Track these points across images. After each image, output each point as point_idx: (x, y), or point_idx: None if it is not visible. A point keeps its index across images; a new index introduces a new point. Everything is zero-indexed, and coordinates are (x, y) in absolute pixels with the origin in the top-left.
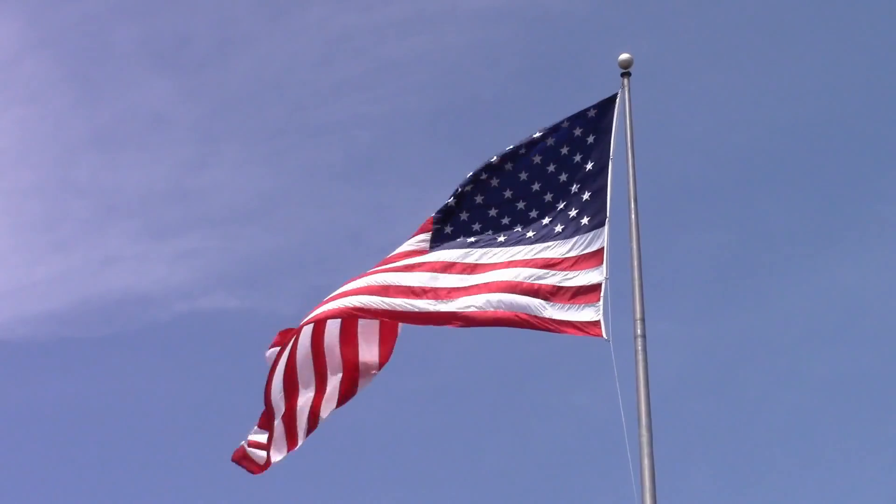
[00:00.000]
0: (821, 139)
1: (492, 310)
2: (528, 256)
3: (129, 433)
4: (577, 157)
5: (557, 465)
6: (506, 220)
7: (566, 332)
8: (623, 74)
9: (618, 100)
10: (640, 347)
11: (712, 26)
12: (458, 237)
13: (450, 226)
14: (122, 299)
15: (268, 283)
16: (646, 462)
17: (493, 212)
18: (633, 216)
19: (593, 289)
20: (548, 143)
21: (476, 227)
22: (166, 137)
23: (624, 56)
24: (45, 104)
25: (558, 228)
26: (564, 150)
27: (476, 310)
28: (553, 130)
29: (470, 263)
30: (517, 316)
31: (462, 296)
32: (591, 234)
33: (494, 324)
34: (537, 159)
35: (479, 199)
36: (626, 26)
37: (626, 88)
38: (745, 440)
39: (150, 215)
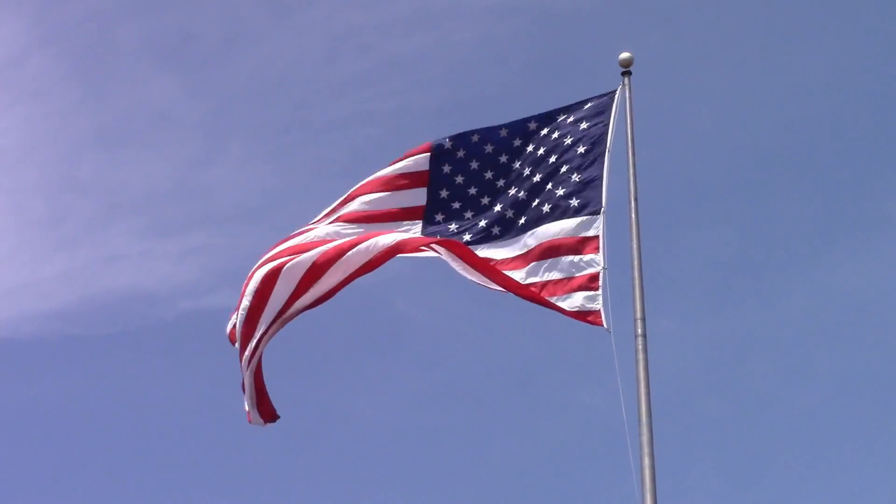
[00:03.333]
0: (826, 137)
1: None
2: (522, 251)
3: (134, 431)
4: (568, 141)
5: (561, 462)
6: (497, 208)
7: (568, 314)
8: (623, 73)
9: (617, 98)
10: (640, 347)
11: (717, 23)
12: (450, 225)
13: (441, 213)
14: (126, 297)
15: None
16: (646, 461)
17: (485, 200)
18: (633, 215)
19: (591, 278)
20: (541, 134)
21: (468, 214)
22: (171, 135)
23: (624, 55)
24: (50, 102)
25: (546, 209)
26: (555, 134)
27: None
28: (547, 121)
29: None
30: (524, 287)
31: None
32: (582, 220)
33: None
34: (530, 147)
35: (472, 190)
36: (633, 22)
37: (627, 87)
38: (750, 438)
39: (154, 213)
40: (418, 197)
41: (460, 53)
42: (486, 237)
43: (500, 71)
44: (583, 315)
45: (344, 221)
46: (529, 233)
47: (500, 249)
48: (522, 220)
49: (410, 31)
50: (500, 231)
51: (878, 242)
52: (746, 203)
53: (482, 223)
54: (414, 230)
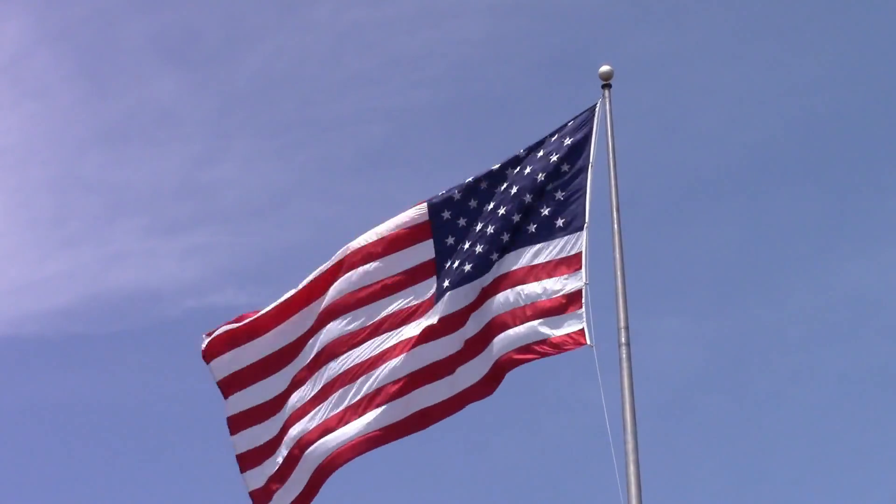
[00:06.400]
0: (830, 134)
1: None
2: (507, 269)
3: (138, 430)
4: (554, 158)
5: (560, 462)
6: (489, 230)
7: (549, 353)
8: (604, 86)
9: (598, 112)
10: (624, 356)
11: (719, 19)
12: (464, 267)
13: (451, 259)
14: (131, 295)
15: (278, 279)
16: (631, 469)
17: (480, 226)
18: (615, 225)
19: (574, 296)
20: (531, 155)
21: (477, 249)
22: (175, 133)
23: (604, 68)
24: (54, 100)
25: (532, 228)
26: (540, 153)
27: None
28: (536, 147)
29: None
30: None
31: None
32: (566, 238)
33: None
34: (520, 170)
35: (476, 226)
36: (638, 20)
37: (608, 100)
38: (754, 437)
39: (159, 211)
40: (426, 251)
41: (465, 51)
42: (486, 265)
43: (506, 68)
44: (562, 342)
45: (347, 312)
46: (514, 252)
47: (488, 275)
48: (507, 238)
49: (415, 29)
50: (497, 257)
51: (882, 240)
52: (750, 201)
53: (489, 255)
54: (428, 288)
